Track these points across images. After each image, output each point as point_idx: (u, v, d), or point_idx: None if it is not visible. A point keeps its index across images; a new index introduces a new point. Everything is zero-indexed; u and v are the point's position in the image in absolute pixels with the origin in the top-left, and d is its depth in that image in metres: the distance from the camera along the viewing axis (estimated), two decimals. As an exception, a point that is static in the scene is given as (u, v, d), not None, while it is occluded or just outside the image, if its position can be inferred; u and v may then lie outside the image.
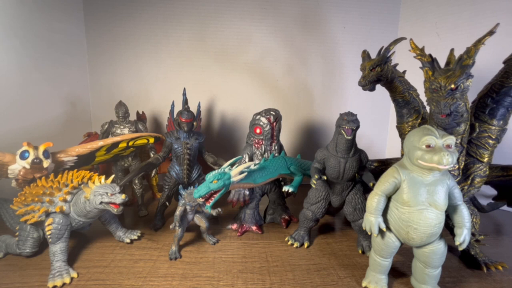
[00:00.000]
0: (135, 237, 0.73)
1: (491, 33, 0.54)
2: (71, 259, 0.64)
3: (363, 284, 0.57)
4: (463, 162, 0.61)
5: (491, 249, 0.71)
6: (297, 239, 0.73)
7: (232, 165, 0.68)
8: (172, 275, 0.60)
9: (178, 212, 0.68)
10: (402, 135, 0.72)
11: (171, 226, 0.68)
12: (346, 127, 0.62)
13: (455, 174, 0.61)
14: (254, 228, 0.80)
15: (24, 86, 0.90)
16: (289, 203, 0.90)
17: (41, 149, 0.66)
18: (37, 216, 0.60)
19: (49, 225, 0.60)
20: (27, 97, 0.91)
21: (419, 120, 0.69)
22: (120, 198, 0.60)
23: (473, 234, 0.64)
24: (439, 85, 0.53)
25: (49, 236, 0.60)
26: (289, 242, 0.73)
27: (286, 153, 0.84)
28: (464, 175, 0.63)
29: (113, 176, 0.66)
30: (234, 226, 0.81)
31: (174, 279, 0.58)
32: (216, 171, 0.65)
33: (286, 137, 1.23)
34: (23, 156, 0.65)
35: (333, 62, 1.21)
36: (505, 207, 0.91)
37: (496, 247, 0.74)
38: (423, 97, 0.62)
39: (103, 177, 0.64)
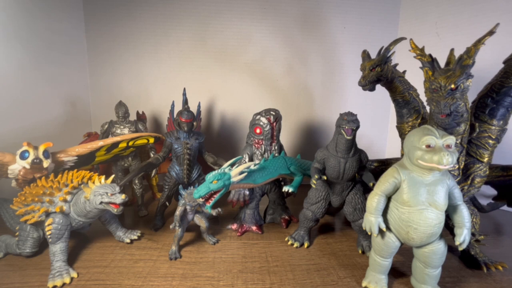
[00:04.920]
0: (135, 237, 0.73)
1: (491, 33, 0.54)
2: (71, 259, 0.64)
3: (363, 284, 0.57)
4: (463, 162, 0.61)
5: (491, 249, 0.71)
6: (297, 239, 0.73)
7: (232, 165, 0.68)
8: (172, 275, 0.60)
9: (178, 212, 0.68)
10: (402, 135, 0.72)
11: (171, 226, 0.68)
12: (346, 127, 0.62)
13: (455, 174, 0.61)
14: (254, 228, 0.80)
15: (24, 86, 0.90)
16: (289, 203, 0.90)
17: (41, 149, 0.66)
18: (37, 216, 0.60)
19: (49, 225, 0.60)
20: (27, 97, 0.91)
21: (419, 120, 0.69)
22: (120, 198, 0.60)
23: (473, 234, 0.64)
24: (439, 85, 0.53)
25: (49, 236, 0.60)
26: (289, 242, 0.73)
27: (286, 153, 0.84)
28: (464, 175, 0.63)
29: (113, 176, 0.66)
30: (234, 226, 0.81)
31: (174, 279, 0.58)
32: (216, 171, 0.65)
33: (286, 137, 1.23)
34: (23, 156, 0.65)
35: (333, 62, 1.21)
36: (505, 207, 0.91)
37: (496, 247, 0.74)
38: (423, 97, 0.62)
39: (103, 177, 0.64)
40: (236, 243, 0.74)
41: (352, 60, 1.20)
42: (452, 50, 0.56)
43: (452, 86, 0.52)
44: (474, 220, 0.64)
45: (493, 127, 0.62)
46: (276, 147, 0.81)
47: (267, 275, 0.60)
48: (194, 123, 0.81)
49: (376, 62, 0.65)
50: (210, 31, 1.16)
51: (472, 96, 0.60)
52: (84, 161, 0.78)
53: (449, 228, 0.61)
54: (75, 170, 0.68)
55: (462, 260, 0.67)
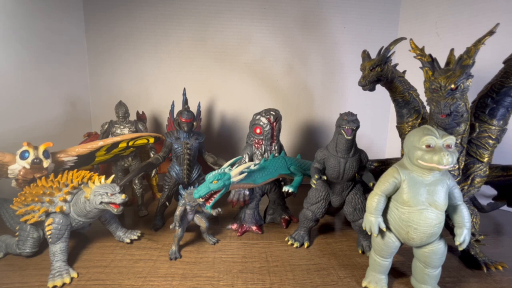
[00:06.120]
0: (135, 237, 0.73)
1: (491, 33, 0.54)
2: (71, 259, 0.64)
3: (363, 284, 0.57)
4: (463, 162, 0.61)
5: (491, 249, 0.71)
6: (297, 239, 0.73)
7: (232, 165, 0.68)
8: (172, 275, 0.60)
9: (178, 212, 0.68)
10: (402, 135, 0.72)
11: (171, 226, 0.68)
12: (346, 127, 0.62)
13: (455, 174, 0.61)
14: (254, 228, 0.80)
15: (24, 86, 0.90)
16: (289, 203, 0.90)
17: (41, 149, 0.66)
18: (37, 216, 0.60)
19: (49, 225, 0.60)
20: (27, 97, 0.91)
21: (419, 120, 0.69)
22: (120, 198, 0.60)
23: (473, 234, 0.64)
24: (439, 85, 0.53)
25: (49, 236, 0.60)
26: (289, 242, 0.73)
27: (286, 153, 0.84)
28: (464, 175, 0.63)
29: (113, 176, 0.66)
30: (234, 226, 0.81)
31: (174, 279, 0.58)
32: (216, 171, 0.65)
33: (286, 137, 1.23)
34: (23, 156, 0.65)
35: (333, 62, 1.21)
36: (505, 207, 0.91)
37: (496, 247, 0.74)
38: (423, 97, 0.62)
39: (103, 177, 0.64)
40: (236, 243, 0.74)
41: (352, 60, 1.20)
42: (452, 50, 0.56)
43: (452, 86, 0.52)
44: (474, 220, 0.64)
45: (493, 127, 0.62)
46: (276, 147, 0.81)
47: (267, 275, 0.60)
48: (194, 123, 0.81)
49: (376, 62, 0.65)
50: (210, 31, 1.16)
51: (472, 96, 0.60)
52: (84, 161, 0.78)
53: (449, 228, 0.61)
54: (75, 170, 0.68)
55: (462, 260, 0.66)
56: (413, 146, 0.50)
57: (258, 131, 0.79)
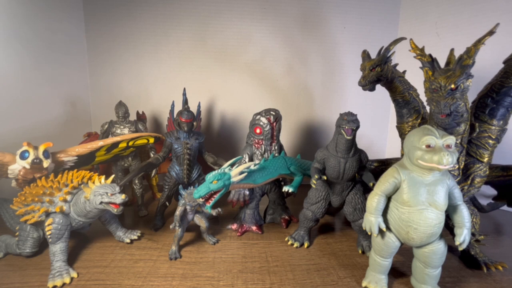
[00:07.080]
0: (135, 237, 0.73)
1: (491, 33, 0.54)
2: (71, 259, 0.64)
3: (363, 284, 0.57)
4: (463, 162, 0.61)
5: (491, 249, 0.71)
6: (297, 239, 0.73)
7: (232, 165, 0.68)
8: (172, 275, 0.60)
9: (178, 212, 0.68)
10: (402, 135, 0.72)
11: (171, 226, 0.68)
12: (346, 127, 0.62)
13: (455, 174, 0.61)
14: (254, 228, 0.80)
15: (24, 86, 0.90)
16: (289, 203, 0.90)
17: (41, 149, 0.66)
18: (37, 216, 0.60)
19: (49, 225, 0.60)
20: (27, 97, 0.91)
21: (419, 120, 0.69)
22: (120, 198, 0.60)
23: (473, 234, 0.64)
24: (439, 85, 0.53)
25: (49, 236, 0.60)
26: (289, 242, 0.73)
27: (286, 153, 0.84)
28: (464, 175, 0.63)
29: (113, 176, 0.66)
30: (234, 226, 0.81)
31: (174, 279, 0.58)
32: (216, 171, 0.65)
33: (286, 137, 1.23)
34: (23, 156, 0.65)
35: (333, 62, 1.21)
36: (505, 207, 0.91)
37: (496, 247, 0.74)
38: (423, 97, 0.62)
39: (103, 177, 0.64)
40: (236, 243, 0.74)
41: (352, 60, 1.20)
42: (452, 50, 0.56)
43: (452, 86, 0.52)
44: (474, 220, 0.64)
45: (493, 127, 0.62)
46: (276, 147, 0.81)
47: (267, 275, 0.60)
48: (194, 123, 0.81)
49: (376, 62, 0.65)
50: (210, 31, 1.16)
51: (472, 96, 0.60)
52: (84, 161, 0.78)
53: (449, 228, 0.61)
54: (75, 170, 0.68)
55: (462, 260, 0.67)
56: (413, 146, 0.50)
57: (258, 131, 0.79)
